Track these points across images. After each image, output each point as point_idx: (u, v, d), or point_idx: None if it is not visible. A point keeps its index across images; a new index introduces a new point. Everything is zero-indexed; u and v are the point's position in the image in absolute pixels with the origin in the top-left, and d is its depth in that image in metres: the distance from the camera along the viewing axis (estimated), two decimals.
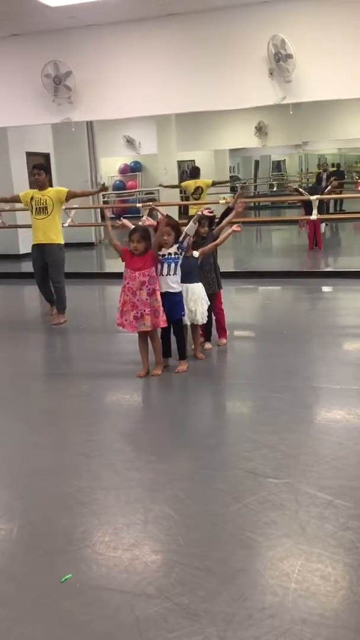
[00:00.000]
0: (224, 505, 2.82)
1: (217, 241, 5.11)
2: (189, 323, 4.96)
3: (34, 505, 2.97)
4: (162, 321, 4.64)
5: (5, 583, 2.37)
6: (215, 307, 5.40)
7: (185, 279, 4.83)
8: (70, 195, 6.83)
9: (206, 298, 5.01)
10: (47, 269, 6.85)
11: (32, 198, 6.69)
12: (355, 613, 2.09)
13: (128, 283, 4.62)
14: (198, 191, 11.00)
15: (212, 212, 5.20)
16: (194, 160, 19.51)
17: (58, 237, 6.82)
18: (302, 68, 7.05)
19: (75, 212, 10.25)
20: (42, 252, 6.78)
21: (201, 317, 4.96)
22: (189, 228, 4.68)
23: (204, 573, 2.33)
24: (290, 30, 6.97)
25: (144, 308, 4.57)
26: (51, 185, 7.29)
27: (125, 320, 4.65)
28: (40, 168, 6.75)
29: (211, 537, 2.59)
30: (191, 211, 9.71)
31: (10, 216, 11.45)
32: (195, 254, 4.90)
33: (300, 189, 11.59)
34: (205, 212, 5.00)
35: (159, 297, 4.61)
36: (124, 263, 4.68)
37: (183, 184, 11.80)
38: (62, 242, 6.91)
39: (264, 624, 2.05)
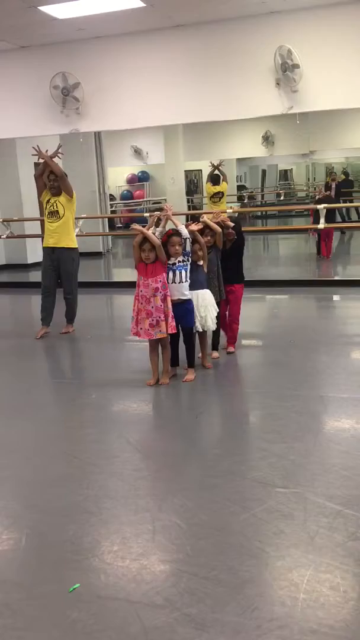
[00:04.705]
0: (232, 515, 2.81)
1: (199, 240, 4.88)
2: (200, 330, 4.98)
3: (42, 514, 2.97)
4: (172, 327, 4.67)
5: (13, 592, 2.37)
6: (232, 315, 5.43)
7: (194, 286, 4.86)
8: (65, 187, 6.53)
9: (215, 305, 5.04)
10: (59, 277, 6.80)
11: (47, 201, 6.66)
12: None
13: (141, 290, 4.65)
14: (218, 195, 11.15)
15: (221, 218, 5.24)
16: (201, 170, 19.57)
17: (70, 241, 6.73)
18: (308, 78, 7.08)
19: (83, 221, 10.29)
20: (53, 257, 6.72)
21: (212, 323, 4.99)
22: (183, 232, 4.72)
23: (212, 583, 2.32)
24: (297, 40, 7.01)
25: (159, 315, 4.60)
26: None
27: (141, 328, 4.67)
28: (57, 175, 6.57)
29: (219, 546, 2.58)
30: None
31: (18, 226, 11.55)
32: (200, 261, 4.93)
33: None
34: (193, 226, 4.95)
35: (169, 304, 4.66)
36: (136, 272, 4.72)
37: (207, 185, 11.97)
38: (76, 245, 6.81)
39: (273, 635, 2.03)
